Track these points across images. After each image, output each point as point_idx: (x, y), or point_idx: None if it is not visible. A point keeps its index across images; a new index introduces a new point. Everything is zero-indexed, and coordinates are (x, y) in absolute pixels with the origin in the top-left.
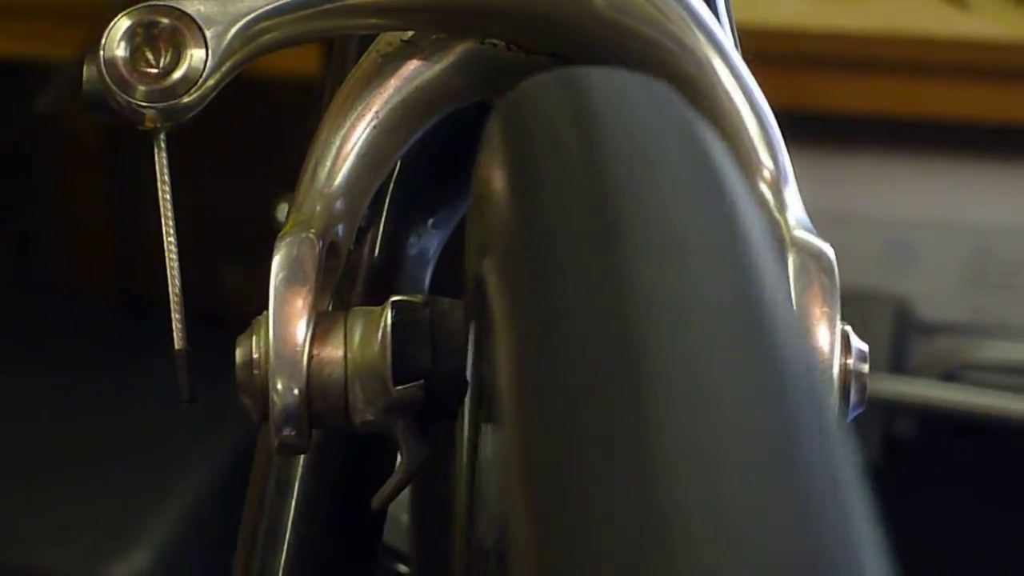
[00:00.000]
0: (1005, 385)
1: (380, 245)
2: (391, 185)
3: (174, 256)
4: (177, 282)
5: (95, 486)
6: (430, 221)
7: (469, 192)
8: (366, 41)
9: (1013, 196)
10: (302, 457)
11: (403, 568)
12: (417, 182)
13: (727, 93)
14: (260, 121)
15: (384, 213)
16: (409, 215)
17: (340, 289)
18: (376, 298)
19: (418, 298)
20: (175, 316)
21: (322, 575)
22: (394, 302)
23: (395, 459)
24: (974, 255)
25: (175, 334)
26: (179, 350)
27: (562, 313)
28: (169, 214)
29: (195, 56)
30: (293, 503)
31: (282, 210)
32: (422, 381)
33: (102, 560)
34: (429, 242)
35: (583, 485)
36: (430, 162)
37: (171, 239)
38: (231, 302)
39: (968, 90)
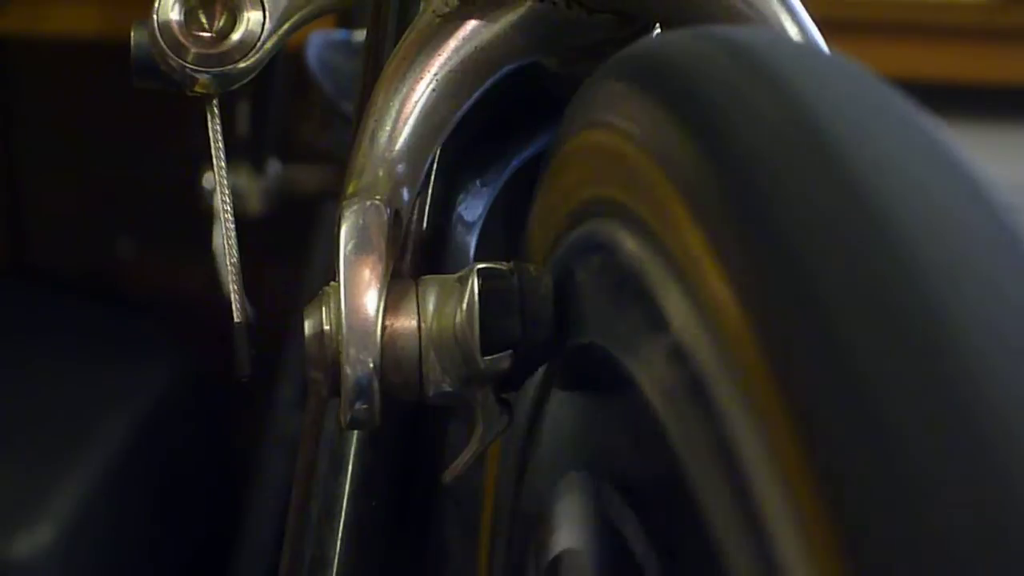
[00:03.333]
0: None
1: (430, 209)
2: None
3: (231, 226)
4: (235, 252)
5: None
6: (479, 180)
7: (529, 147)
8: (408, 2)
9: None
10: (356, 432)
11: None
12: (465, 142)
13: None
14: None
15: (433, 176)
16: (458, 176)
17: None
18: (427, 264)
19: (504, 264)
20: (233, 288)
21: (382, 550)
22: (480, 269)
23: (449, 429)
24: None
25: (233, 307)
26: (238, 323)
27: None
28: (224, 183)
29: (252, 19)
30: (348, 478)
31: (208, 178)
32: (510, 351)
33: (4, 538)
34: (477, 203)
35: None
36: (476, 120)
37: (228, 209)
38: (128, 275)
39: (910, 48)
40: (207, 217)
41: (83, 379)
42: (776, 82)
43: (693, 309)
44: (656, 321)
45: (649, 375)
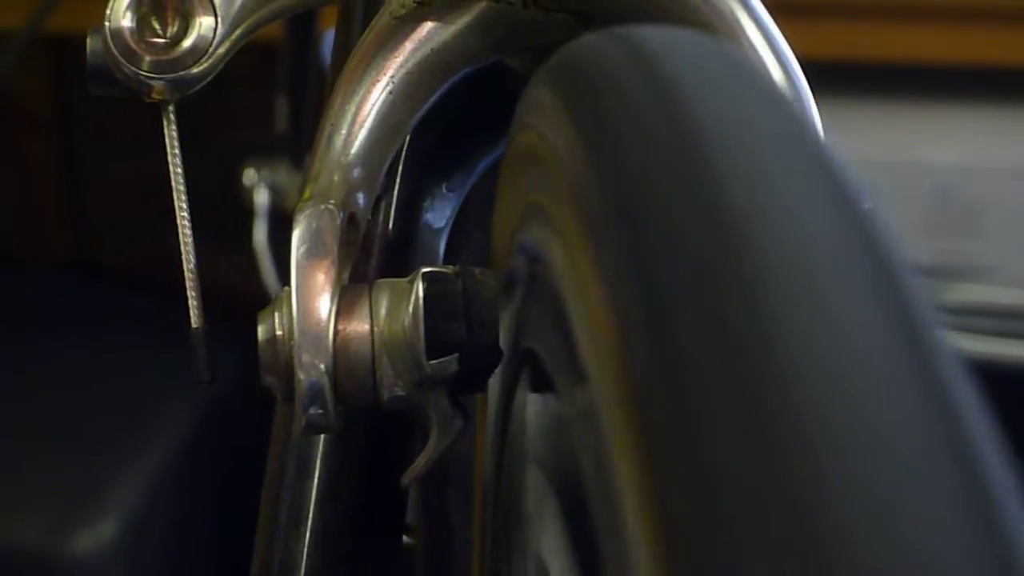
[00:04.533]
0: (970, 328)
1: (395, 214)
2: (403, 151)
3: (188, 232)
4: (192, 258)
5: (56, 458)
6: (444, 185)
7: (494, 152)
8: (372, 3)
9: (970, 137)
10: (323, 436)
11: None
12: (429, 146)
13: (752, 46)
14: (212, 85)
15: (398, 180)
16: (423, 181)
17: (356, 261)
18: (393, 269)
19: (449, 268)
20: (191, 294)
21: (347, 555)
22: (425, 273)
23: (416, 433)
24: (934, 197)
25: (191, 312)
26: (196, 329)
27: (677, 275)
28: (181, 188)
29: (204, 24)
30: (315, 483)
31: (248, 175)
32: (456, 354)
33: (67, 532)
34: (444, 208)
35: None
36: (441, 124)
37: (184, 214)
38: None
39: (924, 32)
40: (249, 214)
41: (143, 373)
42: (667, 87)
43: (587, 330)
44: (567, 337)
45: (563, 390)
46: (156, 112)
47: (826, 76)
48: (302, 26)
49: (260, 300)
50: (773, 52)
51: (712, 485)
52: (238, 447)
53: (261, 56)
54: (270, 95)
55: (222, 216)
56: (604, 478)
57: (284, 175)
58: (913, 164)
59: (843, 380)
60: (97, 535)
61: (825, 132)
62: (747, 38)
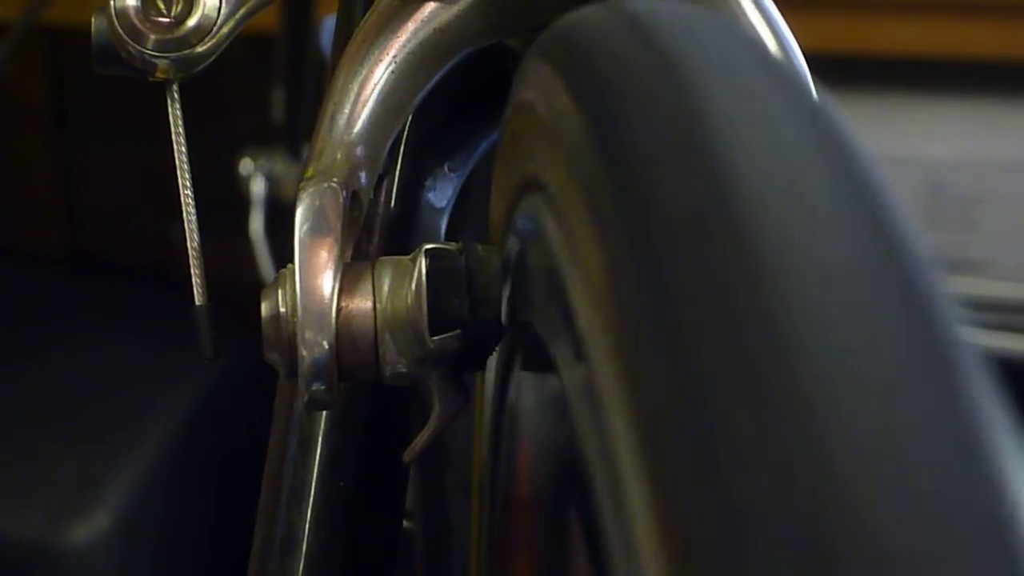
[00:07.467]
0: (966, 321)
1: (396, 192)
2: (405, 131)
3: (192, 211)
4: (195, 236)
5: (50, 450)
6: (446, 165)
7: (495, 132)
8: None
9: (964, 130)
10: (325, 412)
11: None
12: (431, 125)
13: (748, 20)
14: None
15: (399, 159)
16: (425, 160)
17: (358, 239)
18: (395, 247)
19: (451, 245)
20: (195, 272)
21: (349, 531)
22: (428, 250)
23: (417, 409)
24: (928, 190)
25: (195, 290)
26: (199, 306)
27: (679, 247)
28: (185, 168)
29: (208, 3)
30: (317, 459)
31: (245, 164)
32: (459, 331)
33: (61, 524)
34: (446, 187)
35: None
36: (443, 104)
37: (188, 194)
38: (181, 261)
39: (916, 25)
40: (245, 203)
41: (137, 365)
42: (663, 54)
43: (585, 305)
44: (565, 310)
45: (563, 368)
46: (151, 103)
47: (818, 69)
48: (298, 14)
49: (256, 289)
50: (768, 26)
51: (713, 462)
52: (231, 438)
53: (257, 45)
54: (266, 84)
55: (218, 205)
56: (604, 455)
57: (280, 164)
58: (907, 158)
59: (854, 355)
60: (92, 527)
61: None
62: (743, 13)
